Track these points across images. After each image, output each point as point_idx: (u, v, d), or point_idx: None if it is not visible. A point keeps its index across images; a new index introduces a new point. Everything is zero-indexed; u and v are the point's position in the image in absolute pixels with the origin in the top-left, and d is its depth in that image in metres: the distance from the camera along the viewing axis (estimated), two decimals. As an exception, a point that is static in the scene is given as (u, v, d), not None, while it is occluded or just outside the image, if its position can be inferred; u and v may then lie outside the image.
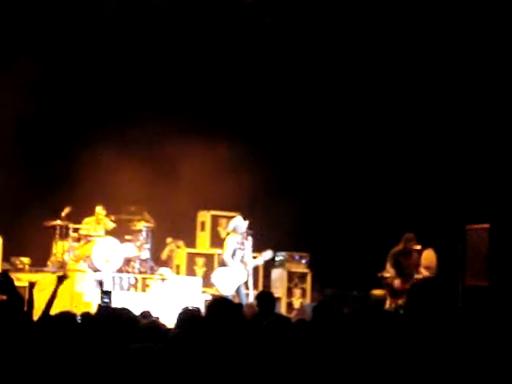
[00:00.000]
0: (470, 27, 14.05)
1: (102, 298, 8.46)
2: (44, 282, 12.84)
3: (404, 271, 12.68)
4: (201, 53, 15.89)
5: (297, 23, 15.68)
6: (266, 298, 8.20)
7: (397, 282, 12.60)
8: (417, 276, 12.64)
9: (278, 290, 15.02)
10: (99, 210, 14.24)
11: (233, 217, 13.67)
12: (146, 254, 14.32)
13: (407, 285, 12.34)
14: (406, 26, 14.81)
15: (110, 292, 8.84)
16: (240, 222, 13.26)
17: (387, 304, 12.63)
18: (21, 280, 13.42)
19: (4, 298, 5.74)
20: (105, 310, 6.37)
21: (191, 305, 6.37)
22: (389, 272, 12.78)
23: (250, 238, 13.21)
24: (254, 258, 13.20)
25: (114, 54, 15.63)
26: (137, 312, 6.65)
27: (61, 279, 7.53)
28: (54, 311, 7.57)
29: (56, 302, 8.11)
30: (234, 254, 13.08)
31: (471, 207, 13.68)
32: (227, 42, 15.86)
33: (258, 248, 13.42)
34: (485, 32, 13.85)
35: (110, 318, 5.32)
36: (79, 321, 5.74)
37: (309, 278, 15.43)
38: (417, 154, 15.40)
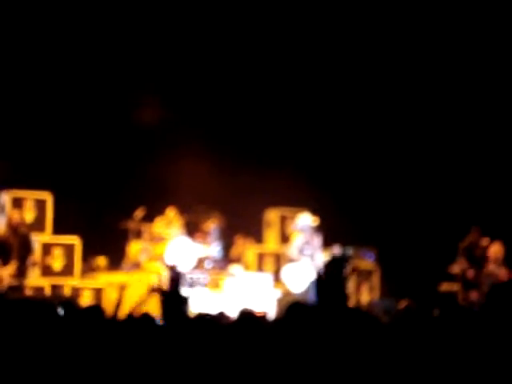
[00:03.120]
0: (470, 27, 14.11)
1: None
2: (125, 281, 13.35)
3: (475, 263, 12.82)
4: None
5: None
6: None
7: (470, 273, 12.74)
8: (485, 270, 12.73)
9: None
10: (170, 210, 14.62)
11: (300, 214, 13.78)
12: (217, 253, 14.61)
13: (479, 277, 12.54)
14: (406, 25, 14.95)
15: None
16: (306, 220, 13.39)
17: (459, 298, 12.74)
18: (98, 280, 13.92)
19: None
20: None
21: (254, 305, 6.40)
22: (461, 264, 12.89)
23: (318, 235, 13.35)
24: (323, 255, 13.31)
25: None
26: (212, 311, 6.91)
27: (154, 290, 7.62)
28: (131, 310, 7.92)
29: (132, 300, 8.49)
30: (301, 252, 13.22)
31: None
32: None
33: (326, 244, 13.54)
34: (485, 32, 13.90)
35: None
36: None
37: (376, 274, 15.53)
38: (486, 143, 15.48)
